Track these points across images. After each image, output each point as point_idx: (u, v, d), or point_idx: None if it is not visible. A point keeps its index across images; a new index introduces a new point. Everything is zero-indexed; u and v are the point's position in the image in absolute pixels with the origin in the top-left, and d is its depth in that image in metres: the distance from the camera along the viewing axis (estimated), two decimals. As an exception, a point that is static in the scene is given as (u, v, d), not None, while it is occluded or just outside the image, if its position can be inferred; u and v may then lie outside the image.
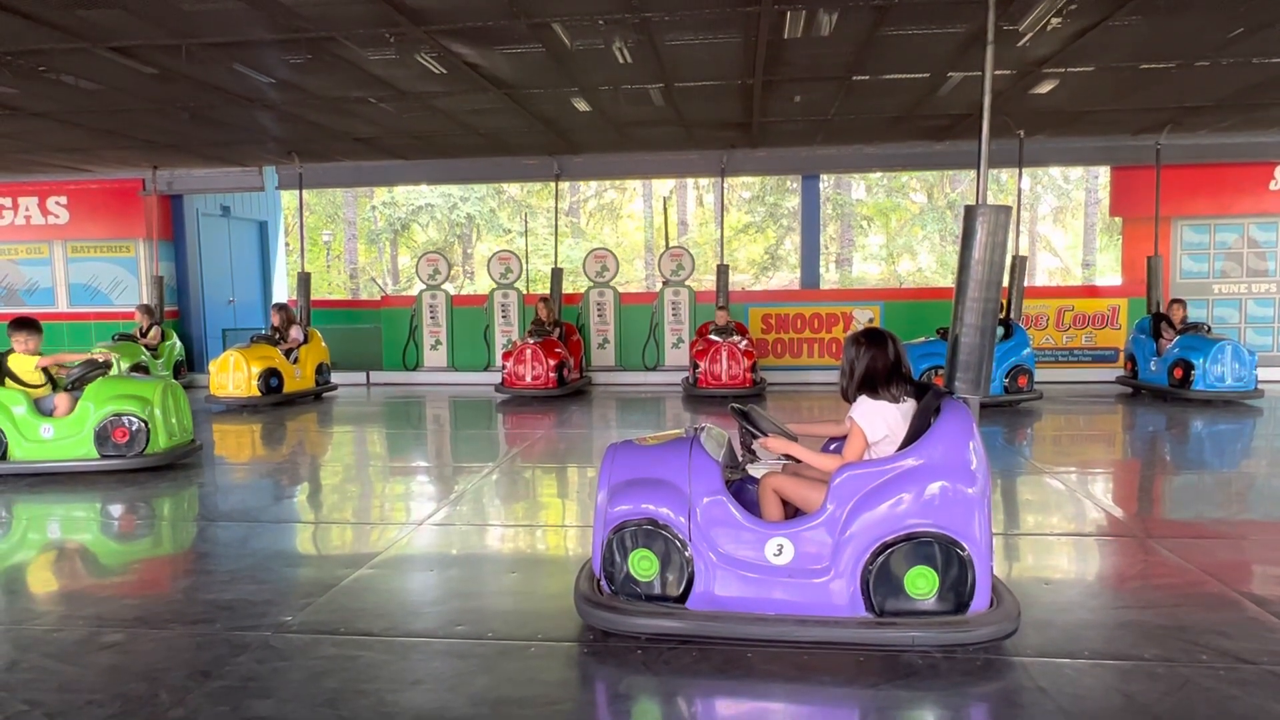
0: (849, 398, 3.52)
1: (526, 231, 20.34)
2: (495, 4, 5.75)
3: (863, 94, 8.51)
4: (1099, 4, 5.92)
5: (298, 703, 2.90)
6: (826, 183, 24.07)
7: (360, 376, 12.91)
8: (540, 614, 3.67)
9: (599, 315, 12.89)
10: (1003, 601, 3.32)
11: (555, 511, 5.86)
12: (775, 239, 27.36)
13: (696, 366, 10.54)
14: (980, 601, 3.23)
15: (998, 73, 7.46)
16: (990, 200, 3.62)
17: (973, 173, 11.77)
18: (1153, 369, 10.08)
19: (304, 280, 11.71)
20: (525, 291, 13.50)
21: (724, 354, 10.40)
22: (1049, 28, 6.37)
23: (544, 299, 11.62)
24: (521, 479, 6.53)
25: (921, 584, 3.21)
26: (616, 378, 12.52)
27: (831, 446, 3.91)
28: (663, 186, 27.10)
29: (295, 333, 10.88)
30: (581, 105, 8.83)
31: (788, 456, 3.58)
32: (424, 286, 13.23)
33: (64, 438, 6.62)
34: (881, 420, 3.40)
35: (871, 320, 12.52)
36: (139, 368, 11.16)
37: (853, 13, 6.06)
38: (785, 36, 6.56)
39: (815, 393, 11.33)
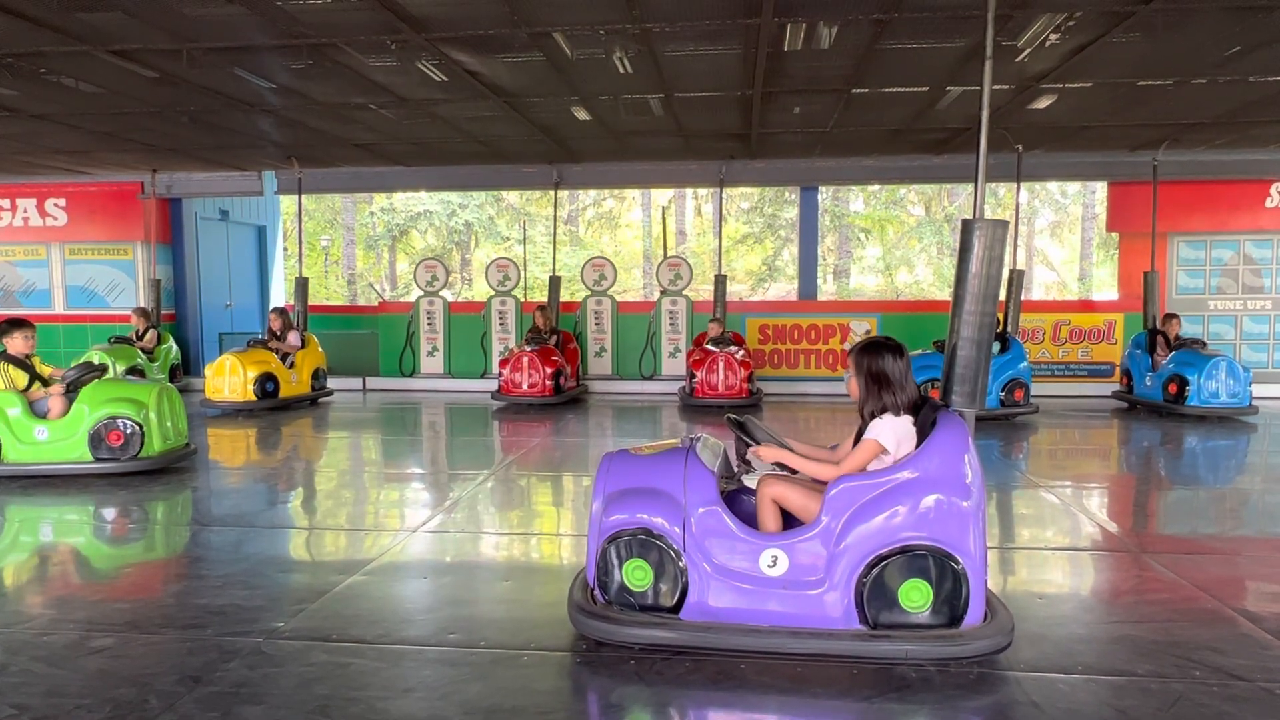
0: (869, 411, 3.46)
1: (525, 239, 20.38)
2: (497, 13, 5.77)
3: (862, 107, 8.54)
4: (1097, 21, 5.96)
5: (289, 709, 2.89)
6: (824, 194, 24.12)
7: (357, 382, 12.90)
8: (533, 623, 3.66)
9: (596, 324, 12.89)
10: (997, 615, 3.31)
11: (550, 520, 5.85)
12: (773, 250, 27.39)
13: (693, 376, 10.54)
14: (974, 615, 3.23)
15: (996, 87, 7.49)
16: (988, 214, 3.63)
17: (970, 186, 11.82)
18: (1148, 384, 10.10)
19: (302, 285, 11.71)
20: (523, 299, 13.51)
21: (721, 364, 10.40)
22: (1047, 43, 6.41)
23: (541, 307, 11.63)
24: (517, 487, 6.52)
25: (916, 597, 3.21)
26: (613, 386, 12.52)
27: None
28: (661, 196, 27.13)
29: (293, 338, 10.87)
30: (581, 114, 8.85)
31: (781, 465, 3.57)
32: (422, 293, 13.24)
33: (58, 440, 6.60)
34: (901, 437, 3.38)
35: (869, 331, 12.53)
36: (135, 371, 11.15)
37: (852, 26, 6.08)
38: (785, 49, 6.59)
39: (812, 404, 11.34)
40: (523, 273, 14.58)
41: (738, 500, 3.75)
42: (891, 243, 27.17)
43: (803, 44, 6.47)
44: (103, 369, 7.12)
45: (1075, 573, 4.57)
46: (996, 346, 9.69)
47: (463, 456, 8.19)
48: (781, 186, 20.43)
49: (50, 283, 13.61)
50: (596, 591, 3.47)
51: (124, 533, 5.43)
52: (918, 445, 3.36)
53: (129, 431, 6.61)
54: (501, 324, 12.94)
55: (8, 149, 10.48)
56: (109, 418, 6.60)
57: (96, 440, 6.58)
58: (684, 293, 12.77)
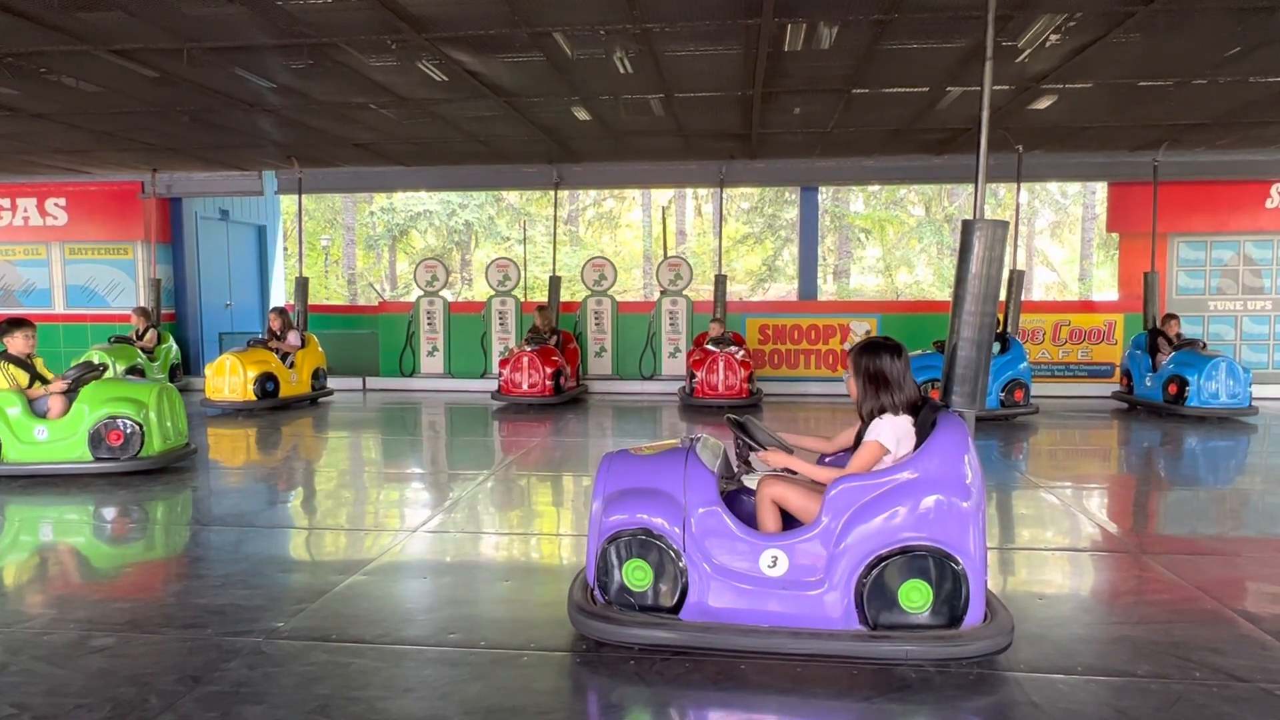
0: (868, 411, 3.48)
1: (525, 239, 20.37)
2: (497, 12, 5.78)
3: (862, 107, 8.54)
4: (1097, 21, 5.96)
5: (289, 709, 2.89)
6: (825, 195, 24.13)
7: (357, 382, 12.90)
8: (533, 623, 3.66)
9: (596, 324, 12.89)
10: (997, 616, 3.31)
11: (550, 520, 5.85)
12: (773, 250, 27.40)
13: (693, 376, 10.54)
14: (974, 615, 3.23)
15: (996, 88, 7.50)
16: (988, 214, 3.63)
17: (971, 186, 11.79)
18: (1148, 385, 10.10)
19: (302, 285, 11.71)
20: (523, 299, 13.51)
21: (721, 364, 10.40)
22: (1048, 44, 6.41)
23: (541, 307, 11.62)
24: (517, 487, 6.52)
25: (916, 597, 3.21)
26: (613, 386, 12.52)
27: (827, 459, 3.91)
28: (661, 196, 27.13)
29: (293, 337, 10.87)
30: (581, 114, 8.85)
31: (787, 470, 3.57)
32: (422, 293, 13.24)
33: (58, 440, 6.60)
34: (901, 436, 3.39)
35: (869, 332, 12.52)
36: (135, 370, 11.15)
37: (853, 26, 6.09)
38: (785, 49, 6.59)
39: (812, 404, 11.34)
40: (523, 273, 14.58)
41: (737, 500, 3.76)
42: (891, 243, 27.18)
43: (803, 44, 6.47)
44: (103, 368, 7.12)
45: (1075, 573, 4.57)
46: (996, 347, 9.70)
47: (463, 456, 8.19)
48: (782, 186, 20.44)
49: (50, 282, 13.61)
50: (596, 592, 3.47)
51: (124, 532, 5.43)
52: (918, 445, 3.37)
53: (129, 431, 6.61)
54: (501, 324, 12.94)
55: (8, 148, 10.48)
56: (109, 417, 6.60)
57: (96, 440, 6.58)
58: (684, 293, 12.77)
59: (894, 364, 3.44)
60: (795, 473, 3.57)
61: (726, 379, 10.38)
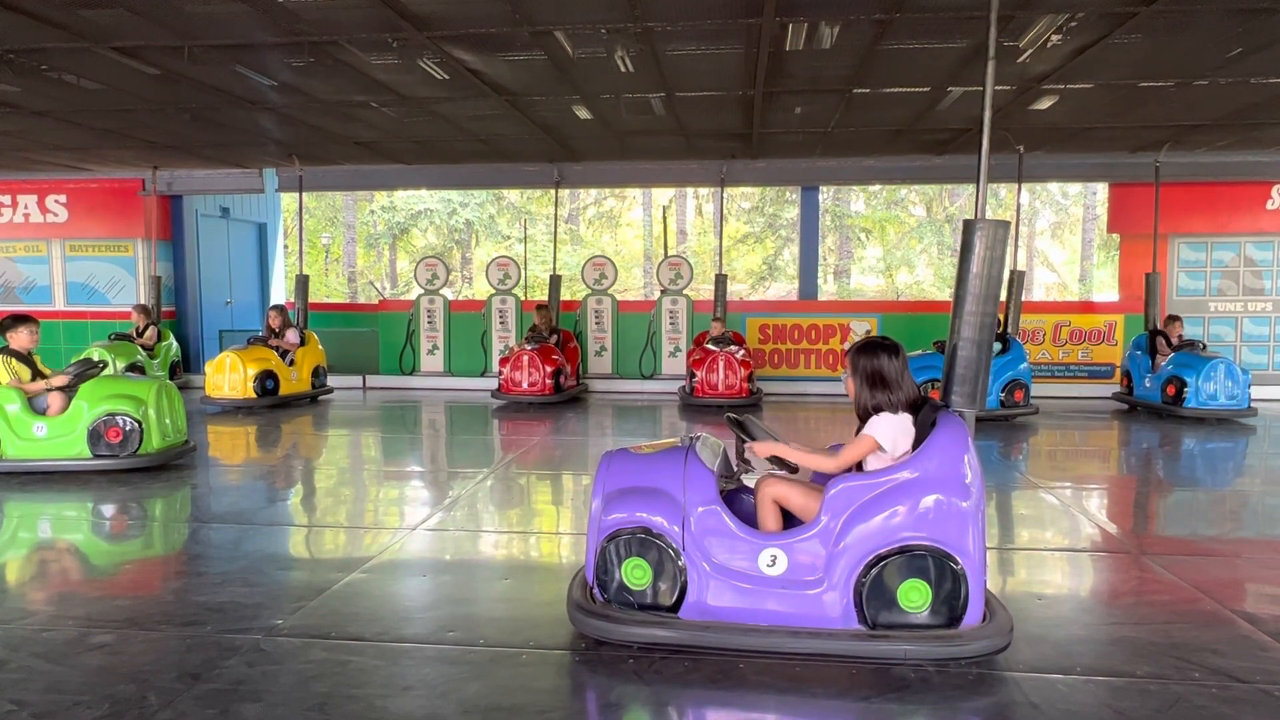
0: (866, 410, 3.48)
1: (525, 238, 20.36)
2: (498, 11, 5.77)
3: (863, 107, 8.54)
4: (1099, 22, 5.95)
5: (287, 707, 2.89)
6: (825, 194, 24.12)
7: (357, 380, 12.89)
8: (532, 621, 3.66)
9: (597, 323, 12.89)
10: (996, 616, 3.31)
11: (549, 518, 5.85)
12: (773, 250, 27.39)
13: (693, 376, 10.54)
14: (973, 615, 3.23)
15: (998, 88, 7.49)
16: (989, 215, 3.63)
17: (971, 187, 11.79)
18: (1148, 385, 10.10)
19: (302, 283, 11.71)
20: (523, 298, 13.50)
21: (721, 364, 10.40)
22: (1049, 44, 6.40)
23: (541, 306, 11.62)
24: (516, 485, 6.52)
25: (915, 597, 3.21)
26: (613, 385, 12.51)
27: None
28: (662, 195, 27.12)
29: (292, 335, 10.87)
30: (582, 113, 8.85)
31: (778, 462, 3.55)
32: (422, 291, 13.24)
33: (57, 436, 6.60)
34: (898, 434, 3.40)
35: (869, 332, 12.52)
36: (135, 368, 11.15)
37: (854, 26, 6.08)
38: (786, 49, 6.59)
39: (812, 404, 11.34)
40: (523, 271, 14.58)
41: (737, 500, 3.75)
42: (892, 243, 27.17)
43: (804, 44, 6.46)
44: (102, 365, 7.12)
45: (1074, 574, 4.57)
46: (997, 347, 9.70)
47: (462, 455, 8.19)
48: (782, 186, 20.44)
49: (51, 279, 13.60)
50: (596, 590, 3.47)
51: (123, 529, 5.43)
52: (918, 445, 3.37)
53: (128, 428, 6.61)
54: (502, 323, 12.94)
55: (9, 145, 10.47)
56: (108, 414, 6.59)
57: (95, 437, 6.58)
58: (684, 292, 12.77)
59: (892, 363, 3.44)
60: (788, 465, 3.55)
61: (726, 378, 10.38)
